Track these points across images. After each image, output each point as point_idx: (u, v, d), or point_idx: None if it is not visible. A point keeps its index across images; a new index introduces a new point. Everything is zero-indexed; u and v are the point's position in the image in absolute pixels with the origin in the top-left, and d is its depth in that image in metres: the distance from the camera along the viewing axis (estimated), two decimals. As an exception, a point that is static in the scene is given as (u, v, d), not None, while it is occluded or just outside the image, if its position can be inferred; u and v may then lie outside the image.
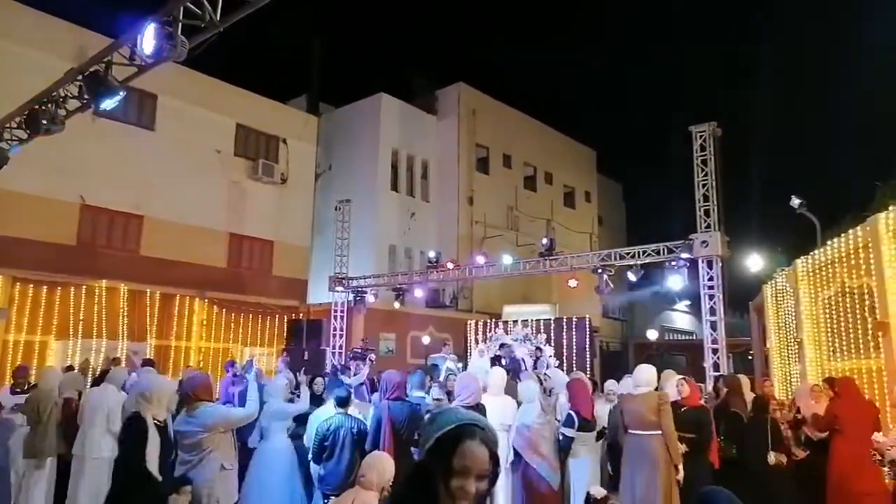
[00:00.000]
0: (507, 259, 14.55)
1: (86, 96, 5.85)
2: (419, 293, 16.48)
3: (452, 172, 22.41)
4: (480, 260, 15.14)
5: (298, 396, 6.53)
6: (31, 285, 12.94)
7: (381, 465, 3.75)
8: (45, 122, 6.15)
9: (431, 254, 16.51)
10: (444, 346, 14.91)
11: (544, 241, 13.86)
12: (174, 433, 4.82)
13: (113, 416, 6.00)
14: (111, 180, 14.60)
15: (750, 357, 16.09)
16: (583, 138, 28.68)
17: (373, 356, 12.25)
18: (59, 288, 13.26)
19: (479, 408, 5.35)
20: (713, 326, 11.29)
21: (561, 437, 5.84)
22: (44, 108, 6.12)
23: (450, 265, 15.63)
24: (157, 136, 15.76)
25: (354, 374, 10.32)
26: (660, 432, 5.59)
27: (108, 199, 14.70)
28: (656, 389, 5.96)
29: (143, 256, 15.26)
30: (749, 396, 7.58)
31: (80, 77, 5.71)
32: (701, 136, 11.97)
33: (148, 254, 15.33)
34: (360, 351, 13.26)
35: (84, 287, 13.58)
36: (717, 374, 10.46)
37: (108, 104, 5.72)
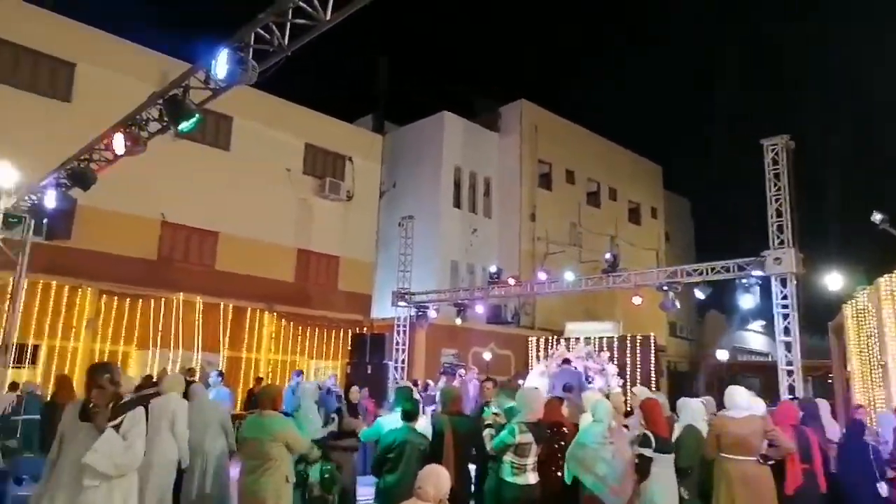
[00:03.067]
0: (569, 275, 14.38)
1: (165, 119, 6.25)
2: (480, 309, 16.47)
3: (515, 189, 22.41)
4: (542, 276, 15.02)
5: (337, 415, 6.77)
6: (116, 297, 13.75)
7: (439, 478, 3.74)
8: (129, 143, 6.61)
9: (493, 269, 16.52)
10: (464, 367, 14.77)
11: (607, 256, 13.63)
12: (240, 439, 5.04)
13: (177, 422, 6.29)
14: (189, 198, 15.38)
15: (829, 381, 15.21)
16: (649, 153, 28.16)
17: (462, 371, 12.34)
18: (140, 300, 14.02)
19: (539, 425, 5.29)
20: (788, 347, 10.77)
21: (637, 459, 5.66)
22: (128, 130, 6.59)
23: (511, 281, 15.59)
24: (232, 156, 16.52)
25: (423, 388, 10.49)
26: (755, 459, 5.42)
27: (186, 216, 15.48)
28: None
29: (218, 271, 15.96)
30: (828, 422, 7.17)
31: (160, 101, 6.11)
32: (773, 150, 11.53)
33: (222, 268, 16.02)
34: (449, 366, 13.35)
35: (163, 299, 14.31)
36: (791, 397, 9.95)
37: (186, 126, 6.08)
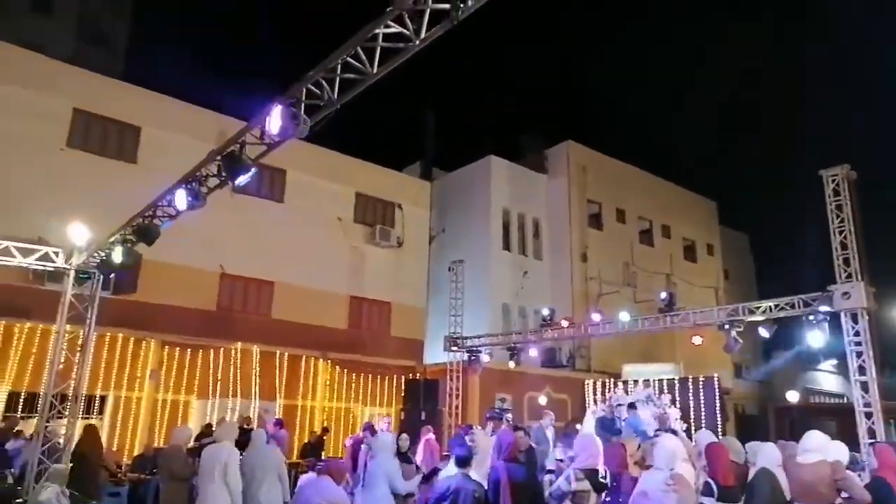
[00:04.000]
0: (624, 315, 14.04)
1: (223, 174, 6.53)
2: (534, 353, 16.21)
3: (564, 229, 22.26)
4: (596, 317, 14.72)
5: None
6: (178, 348, 14.17)
7: None
8: (190, 198, 6.92)
9: (545, 311, 16.31)
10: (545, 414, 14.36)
11: (663, 295, 13.29)
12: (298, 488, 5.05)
13: (229, 470, 6.36)
14: (246, 250, 15.88)
15: (914, 423, 14.18)
16: (702, 189, 27.61)
17: (509, 416, 12.18)
18: (200, 350, 14.40)
19: (595, 472, 5.11)
20: (864, 388, 10.15)
21: None
22: (189, 186, 6.91)
23: (564, 323, 15.33)
24: (286, 208, 17.06)
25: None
26: None
27: (244, 267, 15.97)
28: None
29: (274, 319, 16.30)
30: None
31: (218, 157, 6.40)
32: (833, 181, 11.15)
33: (278, 317, 16.36)
34: (497, 411, 13.17)
35: (222, 349, 14.67)
36: (871, 441, 9.31)
37: (243, 180, 6.33)
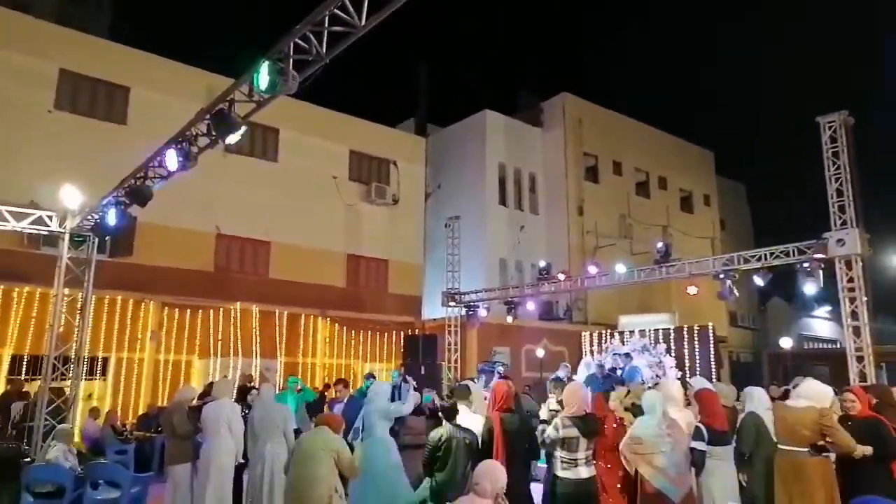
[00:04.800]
0: (620, 267, 14.13)
1: (213, 133, 6.45)
2: (531, 306, 16.38)
3: (561, 183, 22.19)
4: (593, 270, 14.81)
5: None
6: (177, 309, 14.28)
7: (494, 473, 3.81)
8: (180, 159, 6.86)
9: (542, 264, 16.40)
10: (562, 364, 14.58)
11: (659, 246, 13.33)
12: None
13: (233, 426, 6.52)
14: (241, 210, 15.83)
15: (905, 367, 14.47)
16: (699, 139, 27.41)
17: (501, 369, 12.40)
18: (200, 311, 14.52)
19: (587, 417, 5.24)
20: (856, 333, 10.32)
21: (694, 453, 5.54)
22: (179, 146, 6.83)
23: (561, 276, 15.43)
24: (280, 167, 16.92)
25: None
26: (805, 450, 5.20)
27: (239, 227, 15.94)
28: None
29: (272, 279, 16.37)
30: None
31: (207, 116, 6.31)
32: (831, 127, 11.08)
33: (275, 276, 16.42)
34: (489, 364, 13.42)
35: (221, 310, 14.79)
36: (863, 384, 9.49)
37: (233, 139, 6.26)
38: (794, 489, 5.26)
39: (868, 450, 5.06)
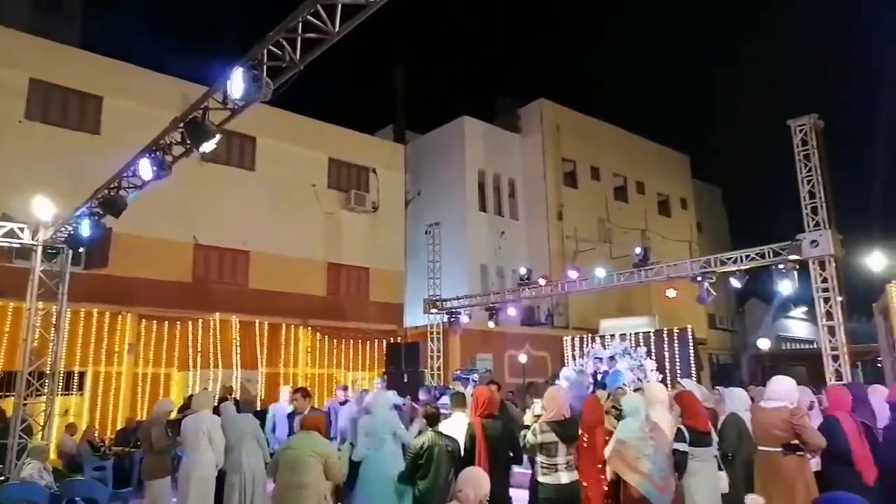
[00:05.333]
0: (600, 272, 14.23)
1: (188, 141, 6.37)
2: (513, 312, 16.40)
3: (540, 189, 22.32)
4: (573, 274, 14.89)
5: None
6: (155, 321, 14.05)
7: (477, 480, 3.81)
8: (155, 168, 6.76)
9: (522, 270, 16.46)
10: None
11: (637, 250, 13.46)
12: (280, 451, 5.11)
13: (213, 438, 6.44)
14: (219, 219, 15.67)
15: (880, 365, 14.72)
16: (675, 143, 27.78)
17: (475, 376, 12.38)
18: (178, 323, 14.31)
19: (566, 422, 5.24)
20: (831, 332, 10.48)
21: (676, 455, 5.55)
22: (153, 155, 6.75)
23: (542, 281, 15.49)
24: (258, 176, 16.80)
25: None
26: (779, 449, 5.26)
27: (218, 237, 15.77)
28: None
29: (251, 289, 16.21)
30: (880, 407, 6.91)
31: (181, 125, 6.24)
32: (801, 130, 11.28)
33: (255, 286, 16.27)
34: (465, 371, 13.42)
35: (200, 321, 14.58)
36: (838, 383, 9.65)
37: (208, 147, 6.18)
38: (772, 488, 5.31)
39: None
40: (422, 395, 10.10)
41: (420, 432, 7.23)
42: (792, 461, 5.26)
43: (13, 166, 12.75)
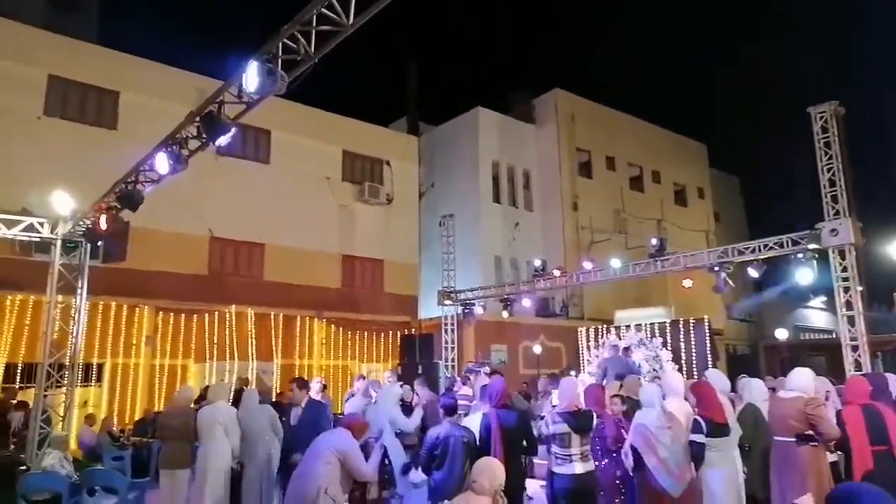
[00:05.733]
0: (615, 262, 14.12)
1: (203, 135, 6.42)
2: (527, 303, 16.35)
3: (555, 179, 22.19)
4: (588, 265, 14.80)
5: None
6: (172, 314, 14.22)
7: (492, 471, 3.80)
8: (171, 162, 6.82)
9: (537, 262, 16.40)
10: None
11: (653, 241, 13.34)
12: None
13: (229, 429, 6.49)
14: (234, 213, 15.78)
15: (901, 355, 14.53)
16: (692, 132, 27.46)
17: (487, 369, 12.36)
18: (195, 315, 14.46)
19: (579, 413, 5.23)
20: (851, 322, 10.33)
21: (693, 446, 5.52)
22: (169, 149, 6.80)
23: (556, 272, 15.43)
24: (272, 169, 16.88)
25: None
26: (794, 440, 5.21)
27: (233, 230, 15.89)
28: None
29: (266, 281, 16.32)
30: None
31: (197, 119, 6.28)
32: (822, 118, 11.09)
33: (270, 279, 16.38)
34: (476, 364, 13.41)
35: (216, 313, 14.73)
36: (858, 373, 9.52)
37: (223, 140, 6.23)
38: (786, 479, 5.26)
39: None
40: (420, 391, 9.63)
41: (422, 420, 7.28)
42: (807, 451, 5.21)
43: (32, 162, 12.91)
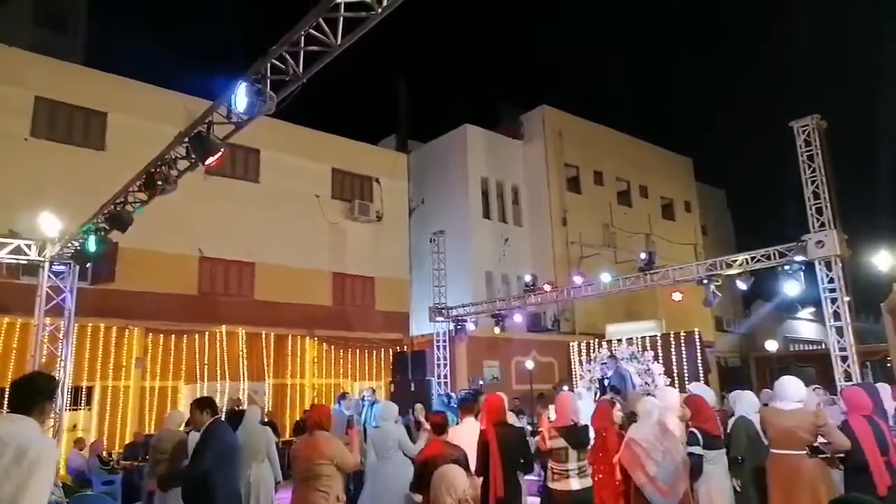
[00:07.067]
0: (605, 277, 14.20)
1: (192, 156, 6.43)
2: (519, 318, 16.38)
3: (543, 195, 22.33)
4: (578, 280, 14.87)
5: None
6: (161, 335, 14.11)
7: (449, 480, 3.32)
8: (160, 182, 6.82)
9: (528, 277, 16.44)
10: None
11: (643, 255, 13.44)
12: (291, 459, 5.13)
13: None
14: (224, 232, 15.72)
15: (889, 364, 14.63)
16: (678, 147, 27.77)
17: (482, 398, 12.29)
18: (185, 336, 14.36)
19: (576, 428, 5.23)
20: (839, 333, 10.43)
21: (691, 458, 5.52)
22: (159, 170, 6.80)
23: (547, 287, 15.47)
24: (262, 188, 16.86)
25: None
26: (804, 452, 5.22)
27: (223, 249, 15.81)
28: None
29: (257, 300, 16.24)
30: (890, 407, 6.87)
31: (186, 139, 6.30)
32: (804, 131, 11.29)
33: (261, 297, 16.29)
34: (469, 392, 13.27)
35: (207, 333, 14.63)
36: (848, 384, 9.59)
37: (212, 161, 6.23)
38: (795, 492, 5.22)
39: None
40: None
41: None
42: (815, 464, 5.19)
43: (20, 183, 12.84)
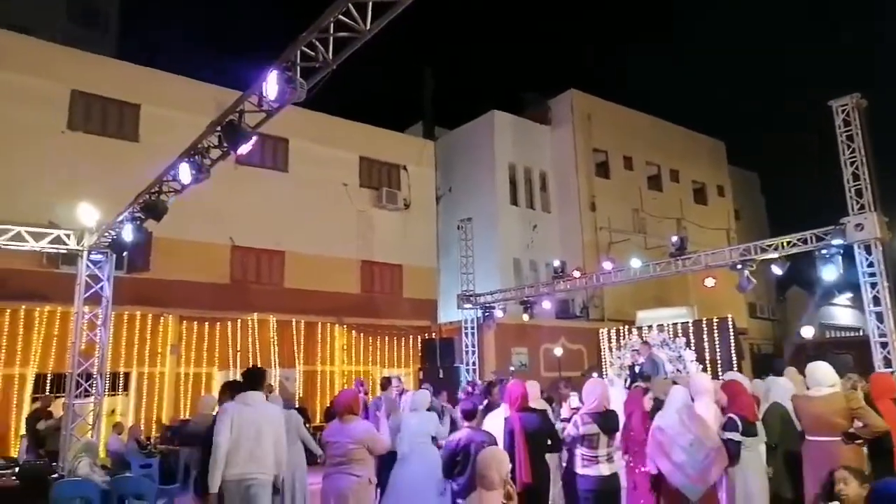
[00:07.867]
0: (635, 262, 14.02)
1: (224, 145, 6.51)
2: (547, 305, 16.30)
3: (571, 180, 22.11)
4: (607, 266, 14.72)
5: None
6: (195, 322, 14.40)
7: (498, 461, 3.68)
8: (193, 172, 6.92)
9: (556, 263, 16.33)
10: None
11: (674, 239, 13.22)
12: (325, 440, 5.21)
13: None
14: (254, 221, 15.92)
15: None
16: (710, 130, 27.20)
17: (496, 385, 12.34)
18: (217, 323, 14.63)
19: (607, 414, 5.19)
20: (879, 318, 10.15)
21: (729, 444, 5.44)
22: (192, 159, 6.90)
23: (576, 273, 15.36)
24: (291, 177, 17.01)
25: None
26: (838, 438, 5.14)
27: (253, 238, 16.03)
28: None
29: (287, 289, 16.44)
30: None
31: (218, 128, 6.37)
32: (843, 111, 10.95)
33: (290, 286, 16.49)
34: (494, 380, 13.34)
35: (238, 321, 14.88)
36: (886, 370, 9.36)
37: (244, 149, 6.30)
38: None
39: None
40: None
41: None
42: (852, 450, 5.11)
43: (58, 175, 13.16)
